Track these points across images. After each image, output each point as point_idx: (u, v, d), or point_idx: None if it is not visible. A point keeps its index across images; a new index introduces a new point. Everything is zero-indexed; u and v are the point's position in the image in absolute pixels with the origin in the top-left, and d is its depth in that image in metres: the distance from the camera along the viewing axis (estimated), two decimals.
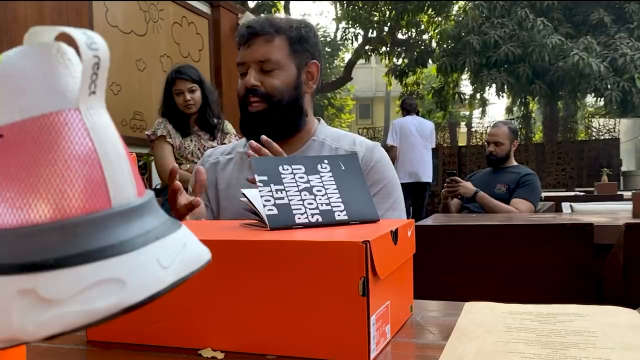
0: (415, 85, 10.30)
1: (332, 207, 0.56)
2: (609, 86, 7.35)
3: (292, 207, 0.54)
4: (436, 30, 9.54)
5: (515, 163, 2.53)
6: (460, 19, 8.39)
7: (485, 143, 2.59)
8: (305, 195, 0.56)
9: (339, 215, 0.56)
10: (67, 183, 0.25)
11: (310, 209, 0.55)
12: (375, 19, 9.62)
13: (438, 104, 9.77)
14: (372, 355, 0.46)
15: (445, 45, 9.03)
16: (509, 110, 10.52)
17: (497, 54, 7.53)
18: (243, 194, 0.60)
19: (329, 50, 13.31)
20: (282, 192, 0.55)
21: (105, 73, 0.25)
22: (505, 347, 0.48)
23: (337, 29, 10.89)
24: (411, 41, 9.79)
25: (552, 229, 1.46)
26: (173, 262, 0.27)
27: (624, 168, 8.19)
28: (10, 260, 0.24)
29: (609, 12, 7.65)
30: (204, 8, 4.15)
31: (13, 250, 0.24)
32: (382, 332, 0.49)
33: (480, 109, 12.31)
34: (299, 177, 0.57)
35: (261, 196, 0.54)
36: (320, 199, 0.56)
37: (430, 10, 9.36)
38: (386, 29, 9.54)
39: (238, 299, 0.48)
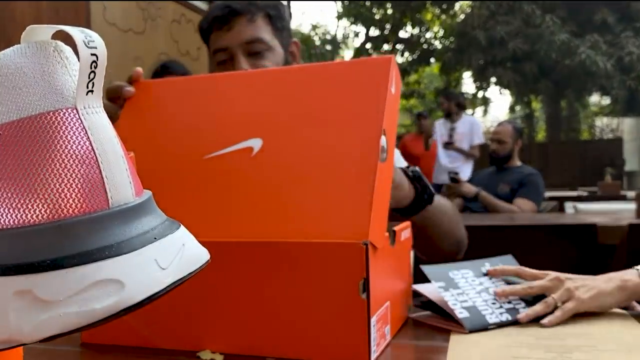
0: (416, 84, 10.29)
1: (513, 304, 0.59)
2: (614, 85, 7.32)
3: (479, 308, 0.57)
4: (440, 27, 9.52)
5: (519, 163, 2.52)
6: (464, 16, 8.37)
7: (489, 142, 2.58)
8: (484, 296, 0.59)
9: (523, 309, 0.58)
10: (64, 183, 0.24)
11: (495, 308, 0.58)
12: (377, 17, 9.59)
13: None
14: (373, 357, 0.45)
15: (448, 43, 9.01)
16: (511, 109, 10.49)
17: (504, 51, 7.49)
18: (418, 291, 0.61)
19: (329, 48, 13.29)
20: (463, 296, 0.58)
21: (103, 71, 0.24)
22: (509, 351, 0.48)
23: (338, 26, 10.87)
24: (414, 39, 9.76)
25: (555, 229, 1.46)
26: (172, 262, 0.27)
27: (627, 168, 8.17)
28: (7, 261, 0.24)
29: (614, 11, 7.61)
30: (203, 6, 4.15)
31: (10, 250, 0.24)
32: (382, 334, 0.49)
33: (483, 107, 12.28)
34: (471, 280, 0.61)
35: (446, 300, 0.57)
36: (500, 299, 0.59)
37: (433, 7, 9.33)
38: (388, 26, 9.52)
39: (237, 300, 0.48)
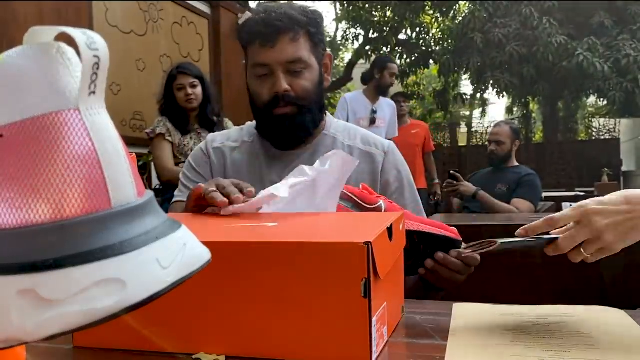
0: (415, 86, 10.29)
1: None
2: (611, 87, 7.34)
3: None
4: (439, 29, 9.53)
5: (516, 163, 2.53)
6: (462, 18, 8.39)
7: (487, 142, 2.59)
8: None
9: None
10: (67, 183, 0.25)
11: None
12: (376, 19, 9.59)
13: (439, 105, 9.76)
14: (373, 358, 0.46)
15: (446, 45, 9.02)
16: (509, 110, 10.51)
17: (502, 54, 7.50)
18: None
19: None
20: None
21: (105, 73, 0.25)
22: (507, 349, 0.48)
23: (337, 29, 10.87)
24: (412, 41, 9.77)
25: None
26: (173, 262, 0.27)
27: (624, 168, 8.19)
28: (10, 260, 0.24)
29: (611, 14, 7.64)
30: (204, 8, 4.15)
31: (13, 250, 0.24)
32: (381, 334, 0.49)
33: (481, 109, 12.30)
34: None
35: None
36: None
37: (432, 11, 9.34)
38: (387, 29, 9.52)
39: (238, 301, 0.48)
